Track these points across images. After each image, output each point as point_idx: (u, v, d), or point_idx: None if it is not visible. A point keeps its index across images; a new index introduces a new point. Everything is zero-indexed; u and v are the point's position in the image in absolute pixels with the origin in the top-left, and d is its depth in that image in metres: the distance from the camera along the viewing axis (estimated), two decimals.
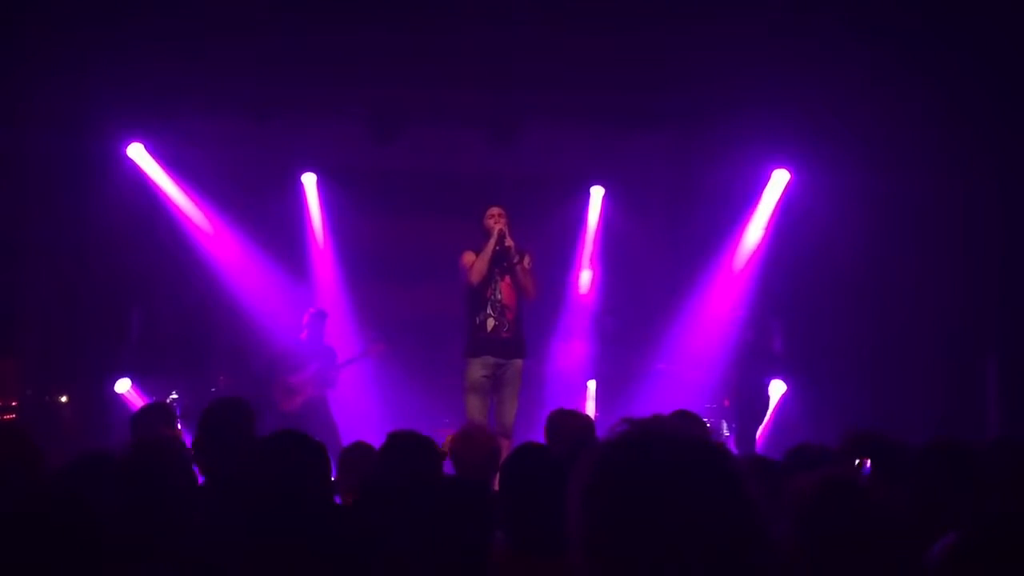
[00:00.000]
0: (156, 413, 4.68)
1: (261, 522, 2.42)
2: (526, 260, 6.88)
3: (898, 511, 2.46)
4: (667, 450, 1.40)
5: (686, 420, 4.32)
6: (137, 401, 8.51)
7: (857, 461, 3.20)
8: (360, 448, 4.22)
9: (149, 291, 9.33)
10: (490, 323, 6.78)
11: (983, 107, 7.63)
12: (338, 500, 3.72)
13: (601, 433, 4.41)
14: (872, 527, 2.29)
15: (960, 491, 2.95)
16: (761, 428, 8.21)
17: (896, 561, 2.30)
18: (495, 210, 6.88)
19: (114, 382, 8.74)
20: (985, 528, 2.18)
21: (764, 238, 9.45)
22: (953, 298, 8.30)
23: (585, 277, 9.82)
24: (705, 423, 4.16)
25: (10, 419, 7.49)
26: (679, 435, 1.42)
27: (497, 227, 6.75)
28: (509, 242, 6.76)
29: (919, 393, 8.32)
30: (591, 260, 9.85)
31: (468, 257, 6.82)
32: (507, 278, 6.84)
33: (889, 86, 7.78)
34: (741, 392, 8.13)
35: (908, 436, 3.74)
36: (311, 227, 9.88)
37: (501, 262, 6.79)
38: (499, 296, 6.81)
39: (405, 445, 3.59)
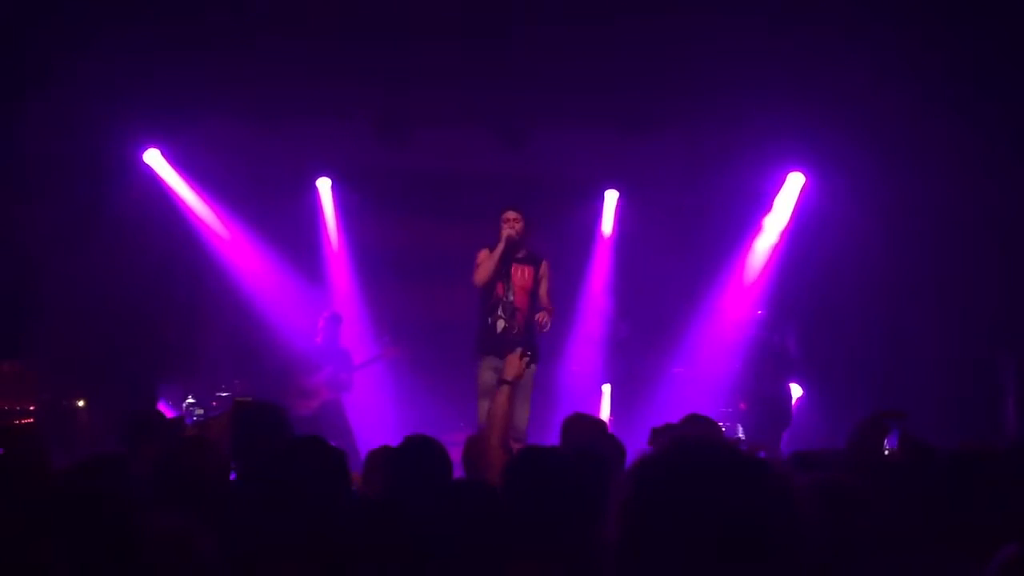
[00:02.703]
0: (147, 421, 4.66)
1: (280, 524, 2.44)
2: (543, 267, 6.91)
3: (895, 516, 2.43)
4: (711, 462, 1.39)
5: (698, 424, 4.29)
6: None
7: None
8: (386, 451, 4.23)
9: (165, 295, 9.37)
10: (500, 324, 6.80)
11: (999, 107, 7.58)
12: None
13: (615, 435, 4.39)
14: (867, 533, 2.26)
15: (988, 498, 2.91)
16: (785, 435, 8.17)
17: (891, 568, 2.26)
18: (510, 214, 6.88)
19: (131, 386, 8.76)
20: None
21: (779, 241, 9.42)
22: (969, 299, 8.24)
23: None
24: (719, 427, 4.13)
25: (27, 423, 7.53)
26: (722, 448, 1.42)
27: (505, 233, 6.77)
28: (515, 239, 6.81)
29: (937, 395, 8.26)
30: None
31: (482, 255, 6.86)
32: (520, 281, 6.87)
33: (903, 88, 7.73)
34: (759, 397, 8.08)
35: (926, 438, 3.70)
36: (326, 231, 9.91)
37: (508, 264, 6.84)
38: (511, 298, 6.83)
39: (418, 449, 3.60)
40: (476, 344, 6.90)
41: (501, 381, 3.97)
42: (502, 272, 6.82)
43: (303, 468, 2.78)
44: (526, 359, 4.14)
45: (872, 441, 3.20)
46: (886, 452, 3.16)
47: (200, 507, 2.86)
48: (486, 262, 6.78)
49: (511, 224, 6.84)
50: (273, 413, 3.78)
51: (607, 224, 9.88)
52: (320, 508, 2.51)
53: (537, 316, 6.73)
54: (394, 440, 3.82)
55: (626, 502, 1.41)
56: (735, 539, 1.33)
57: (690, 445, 1.44)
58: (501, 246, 6.76)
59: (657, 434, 3.96)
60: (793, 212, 9.33)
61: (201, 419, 7.88)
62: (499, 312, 6.82)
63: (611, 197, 9.82)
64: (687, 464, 1.40)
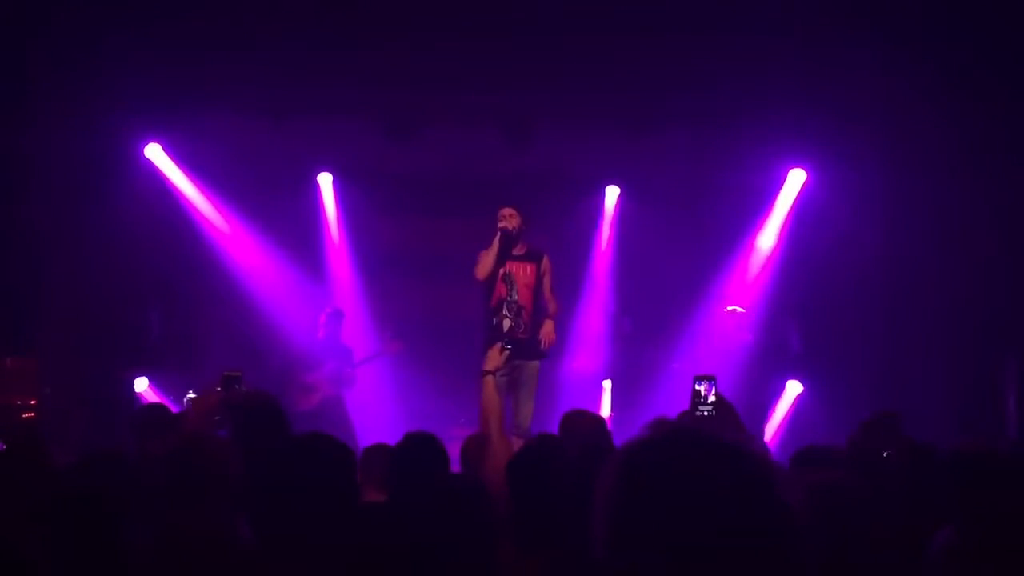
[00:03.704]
0: (157, 414, 4.66)
1: (289, 521, 2.44)
2: (544, 262, 6.97)
3: (888, 516, 2.43)
4: (697, 451, 1.39)
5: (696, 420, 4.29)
6: (154, 400, 8.55)
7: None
8: (380, 450, 4.24)
9: (167, 290, 9.37)
10: (506, 324, 6.86)
11: (1003, 104, 7.57)
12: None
13: (615, 432, 4.40)
14: (859, 532, 2.27)
15: (987, 497, 2.91)
16: (768, 428, 8.18)
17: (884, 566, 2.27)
18: (505, 211, 6.96)
19: (132, 381, 8.78)
20: (984, 522, 2.16)
21: (780, 238, 9.41)
22: (972, 298, 8.23)
23: None
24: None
25: (29, 417, 7.54)
26: (709, 436, 1.42)
27: (499, 225, 6.85)
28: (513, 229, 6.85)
29: (938, 394, 8.26)
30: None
31: (481, 254, 6.95)
32: (523, 279, 6.91)
33: (905, 85, 7.73)
34: (744, 392, 8.09)
35: (927, 437, 3.71)
36: (327, 226, 9.90)
37: (506, 258, 6.90)
38: (515, 297, 6.89)
39: (416, 447, 3.61)
40: (484, 345, 6.93)
41: (483, 372, 4.16)
42: (503, 270, 6.87)
43: (314, 465, 2.77)
44: (505, 353, 4.38)
45: (872, 443, 3.22)
46: (884, 455, 3.16)
47: (205, 504, 2.86)
48: (485, 256, 6.87)
49: (506, 219, 6.91)
50: (268, 403, 3.73)
51: (609, 220, 9.87)
52: (331, 506, 2.51)
53: (540, 335, 6.80)
54: (395, 436, 3.83)
55: (609, 491, 1.40)
56: (717, 528, 1.33)
57: (670, 434, 1.43)
58: (496, 239, 6.83)
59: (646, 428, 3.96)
60: (794, 208, 9.32)
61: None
62: (504, 312, 6.89)
63: (612, 193, 9.82)
64: (668, 452, 1.39)
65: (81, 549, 2.31)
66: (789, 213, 9.35)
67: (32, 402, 7.73)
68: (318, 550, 2.34)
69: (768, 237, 9.48)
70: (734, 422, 3.23)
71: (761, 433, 8.02)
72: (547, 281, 7.05)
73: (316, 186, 9.78)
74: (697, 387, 3.23)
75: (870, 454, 3.20)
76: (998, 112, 7.64)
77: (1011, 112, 7.57)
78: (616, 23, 7.37)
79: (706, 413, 3.21)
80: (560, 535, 2.71)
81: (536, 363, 6.92)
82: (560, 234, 9.13)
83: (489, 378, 4.09)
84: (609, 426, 4.90)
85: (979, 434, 7.40)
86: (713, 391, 3.22)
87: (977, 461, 3.00)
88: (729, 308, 8.76)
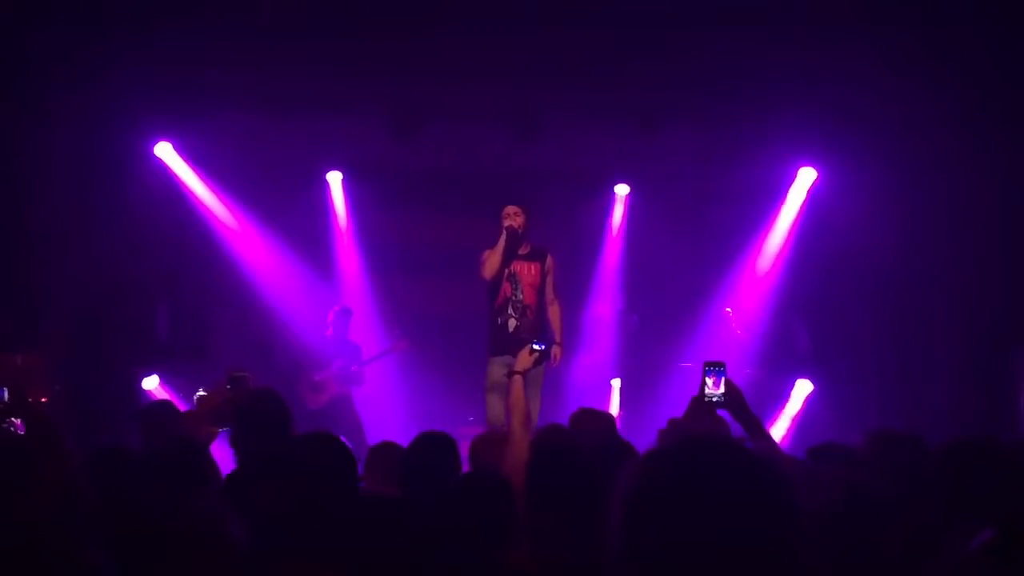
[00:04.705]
0: (163, 411, 4.70)
1: (287, 522, 2.45)
2: (548, 261, 6.97)
3: (903, 513, 2.41)
4: (716, 459, 1.39)
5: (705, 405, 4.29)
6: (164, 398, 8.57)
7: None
8: (387, 447, 4.25)
9: (176, 288, 9.40)
10: (511, 323, 6.86)
11: (1014, 102, 7.54)
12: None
13: (624, 431, 4.40)
14: (875, 528, 2.26)
15: (985, 491, 2.90)
16: (776, 426, 8.18)
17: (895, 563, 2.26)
18: (509, 209, 6.96)
19: (142, 379, 8.80)
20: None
21: (790, 236, 9.39)
22: (981, 295, 8.21)
23: None
24: (723, 420, 4.17)
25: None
26: (728, 444, 1.42)
27: (505, 224, 6.85)
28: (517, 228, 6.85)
29: (947, 391, 8.24)
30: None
31: (486, 253, 6.94)
32: (528, 279, 6.91)
33: (916, 83, 7.70)
34: (749, 390, 8.09)
35: (936, 433, 3.69)
36: (336, 225, 9.92)
37: (512, 257, 6.89)
38: (520, 296, 6.89)
39: (430, 445, 3.61)
40: (488, 344, 6.94)
41: (511, 373, 4.32)
42: (508, 270, 6.87)
43: (313, 465, 2.78)
44: (535, 355, 4.47)
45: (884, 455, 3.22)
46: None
47: (189, 502, 2.86)
48: (492, 256, 6.85)
49: (511, 217, 6.90)
50: (272, 402, 3.75)
51: (617, 218, 9.87)
52: (330, 506, 2.51)
53: (552, 352, 6.83)
54: (404, 434, 3.84)
55: (627, 497, 1.40)
56: (740, 538, 1.33)
57: (690, 442, 1.43)
58: (503, 238, 6.82)
59: (664, 435, 3.98)
60: (804, 207, 9.30)
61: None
62: (509, 311, 6.89)
63: (622, 191, 9.82)
64: (694, 462, 1.39)
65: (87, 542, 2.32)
66: (799, 211, 9.33)
67: (44, 399, 7.76)
68: (319, 551, 2.34)
69: (777, 235, 9.46)
70: (743, 408, 3.23)
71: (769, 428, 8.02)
72: (550, 280, 7.05)
73: (324, 184, 9.79)
74: (707, 373, 3.25)
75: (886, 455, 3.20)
76: (1007, 109, 7.61)
77: (1020, 108, 7.53)
78: (624, 19, 7.35)
79: (715, 399, 3.22)
80: (574, 535, 2.71)
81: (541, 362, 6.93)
82: (568, 231, 9.13)
83: (518, 378, 4.26)
84: (617, 425, 4.90)
85: (989, 428, 7.38)
86: (723, 378, 3.23)
87: (975, 455, 2.99)
88: (727, 310, 8.84)
